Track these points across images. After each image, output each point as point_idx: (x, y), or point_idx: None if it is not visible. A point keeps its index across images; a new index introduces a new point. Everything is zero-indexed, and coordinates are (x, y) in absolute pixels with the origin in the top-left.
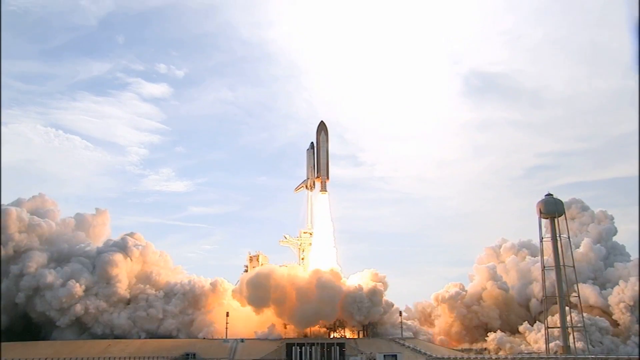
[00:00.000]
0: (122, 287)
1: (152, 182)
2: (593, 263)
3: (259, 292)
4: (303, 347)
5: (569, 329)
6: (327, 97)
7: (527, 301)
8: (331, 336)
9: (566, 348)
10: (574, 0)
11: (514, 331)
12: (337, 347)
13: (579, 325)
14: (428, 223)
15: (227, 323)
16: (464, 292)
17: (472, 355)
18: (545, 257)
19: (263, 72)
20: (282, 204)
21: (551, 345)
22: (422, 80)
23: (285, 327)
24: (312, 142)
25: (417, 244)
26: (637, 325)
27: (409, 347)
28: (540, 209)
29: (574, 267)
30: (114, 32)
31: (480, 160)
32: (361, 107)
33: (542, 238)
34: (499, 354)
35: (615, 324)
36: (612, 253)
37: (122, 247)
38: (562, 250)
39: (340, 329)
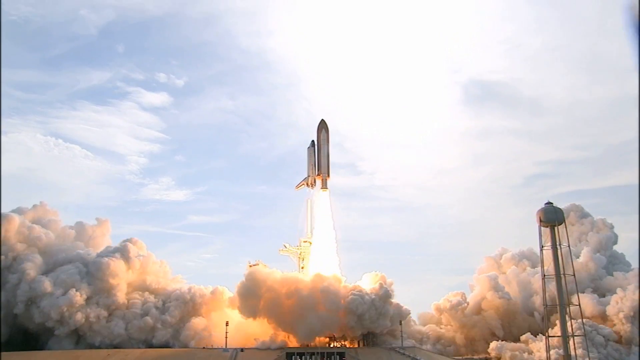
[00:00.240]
0: (122, 296)
1: (152, 191)
2: (592, 273)
3: (250, 301)
4: (303, 357)
5: (570, 337)
6: (326, 105)
7: (531, 311)
8: (331, 345)
9: (567, 357)
10: (572, 9)
11: (517, 341)
12: (337, 357)
13: (578, 331)
14: (428, 231)
15: (226, 332)
16: (466, 304)
17: None
18: (545, 267)
19: (263, 81)
20: (281, 213)
21: (552, 353)
22: (421, 89)
23: (288, 337)
24: (312, 141)
25: (417, 252)
26: (637, 336)
27: (409, 356)
28: (540, 218)
29: (574, 275)
30: (114, 41)
31: (480, 168)
32: (361, 116)
33: (542, 246)
34: None
35: (617, 332)
36: (612, 262)
37: (122, 254)
38: (562, 259)
39: (341, 338)
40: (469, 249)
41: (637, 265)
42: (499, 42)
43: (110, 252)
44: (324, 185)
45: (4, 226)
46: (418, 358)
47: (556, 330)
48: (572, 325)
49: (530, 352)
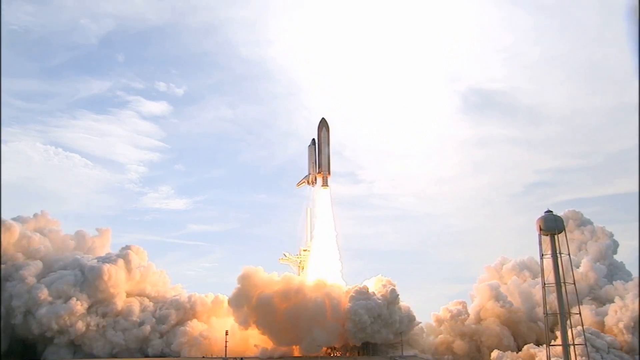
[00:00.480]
0: (121, 304)
1: (152, 200)
2: (592, 283)
3: (244, 309)
4: None
5: (571, 346)
6: (326, 114)
7: (535, 320)
8: (331, 355)
9: None
10: (571, 18)
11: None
12: None
13: (579, 338)
14: (428, 240)
15: (226, 341)
16: (467, 315)
17: None
18: (545, 275)
19: (262, 90)
20: (281, 222)
21: None
22: (421, 98)
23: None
24: (313, 139)
25: (417, 260)
26: (638, 346)
27: None
28: (540, 226)
29: (574, 284)
30: (114, 50)
31: (480, 177)
32: (360, 124)
33: (543, 255)
34: None
35: (619, 342)
36: (612, 272)
37: (123, 260)
38: (562, 268)
39: (342, 348)
40: (468, 257)
41: (637, 274)
42: (498, 51)
43: (109, 259)
44: (325, 183)
45: (4, 235)
46: None
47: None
48: (572, 334)
49: None
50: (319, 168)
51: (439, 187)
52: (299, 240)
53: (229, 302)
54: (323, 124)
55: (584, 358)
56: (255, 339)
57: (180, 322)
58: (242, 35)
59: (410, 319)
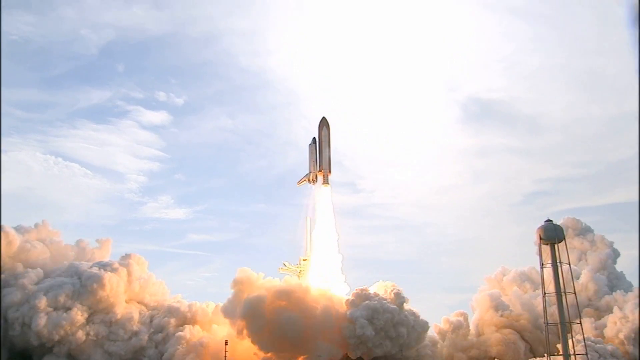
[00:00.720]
0: (120, 313)
1: (151, 210)
2: (591, 294)
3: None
4: None
5: (572, 355)
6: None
7: (537, 329)
8: None
9: None
10: (570, 28)
11: None
12: None
13: (579, 345)
14: (427, 249)
15: (225, 352)
16: (468, 329)
17: None
18: (545, 285)
19: (262, 100)
20: (281, 232)
21: None
22: (420, 107)
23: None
24: (314, 137)
25: (417, 270)
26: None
27: None
28: (540, 235)
29: (574, 293)
30: (114, 60)
31: (479, 186)
32: (360, 134)
33: (543, 264)
34: None
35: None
36: (612, 283)
37: (124, 268)
38: (562, 277)
39: None
40: (468, 267)
41: (638, 285)
42: (497, 61)
43: (110, 266)
44: (326, 181)
45: (4, 244)
46: None
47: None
48: (573, 344)
49: None
50: (319, 166)
51: (438, 197)
52: (299, 249)
53: (222, 309)
54: (324, 123)
55: None
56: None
57: (179, 330)
58: (242, 45)
59: (422, 327)
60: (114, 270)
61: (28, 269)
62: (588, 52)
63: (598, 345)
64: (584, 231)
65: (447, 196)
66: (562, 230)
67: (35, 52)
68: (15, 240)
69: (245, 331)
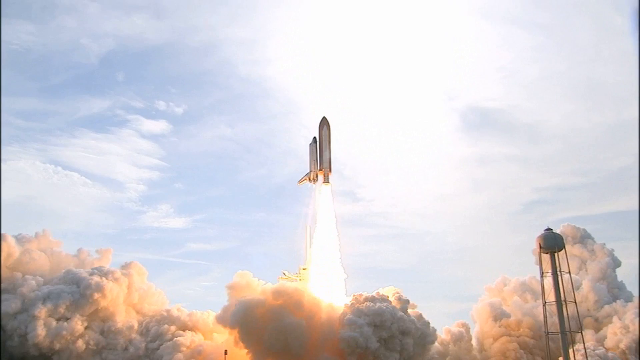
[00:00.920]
0: (120, 322)
1: (151, 219)
2: (592, 305)
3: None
4: None
5: None
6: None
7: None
8: None
9: None
10: (568, 38)
11: None
12: None
13: (579, 353)
14: (427, 258)
15: None
16: (470, 343)
17: None
18: (546, 294)
19: (261, 109)
20: (281, 240)
21: None
22: (419, 116)
23: None
24: (314, 137)
25: (417, 279)
26: None
27: None
28: (539, 244)
29: (575, 302)
30: (114, 69)
31: (479, 195)
32: (359, 143)
33: (543, 273)
34: None
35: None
36: (613, 292)
37: (123, 277)
38: (563, 286)
39: None
40: (468, 275)
41: (638, 294)
42: (496, 70)
43: (110, 273)
44: (326, 180)
45: (4, 254)
46: None
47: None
48: (574, 354)
49: None
50: (320, 165)
51: (438, 205)
52: (299, 258)
53: (218, 317)
54: (324, 123)
55: None
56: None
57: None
58: (242, 54)
59: (429, 339)
60: (115, 279)
61: (27, 276)
62: (587, 61)
63: (598, 350)
64: (584, 239)
65: (446, 205)
66: (562, 239)
67: (36, 61)
68: (15, 251)
69: (237, 336)
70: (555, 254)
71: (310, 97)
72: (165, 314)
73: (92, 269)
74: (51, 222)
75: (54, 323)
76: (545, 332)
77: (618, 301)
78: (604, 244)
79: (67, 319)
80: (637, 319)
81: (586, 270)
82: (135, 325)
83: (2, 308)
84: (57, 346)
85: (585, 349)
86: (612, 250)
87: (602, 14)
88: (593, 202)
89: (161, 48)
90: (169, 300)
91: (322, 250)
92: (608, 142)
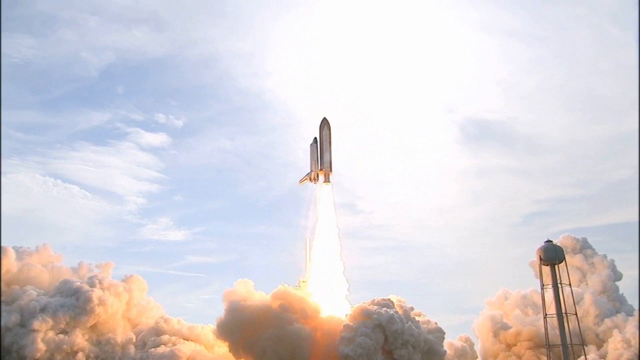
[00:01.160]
0: (119, 336)
1: (150, 231)
2: (592, 318)
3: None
4: None
5: None
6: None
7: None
8: None
9: None
10: (567, 50)
11: None
12: None
13: None
14: (428, 270)
15: None
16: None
17: None
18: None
19: (261, 122)
20: (280, 253)
21: None
22: (418, 128)
23: None
24: (315, 138)
25: (417, 292)
26: None
27: None
28: (540, 256)
29: (576, 314)
30: (114, 82)
31: (479, 207)
32: (358, 156)
33: (543, 285)
34: None
35: None
36: (615, 306)
37: (124, 289)
38: (563, 299)
39: None
40: (468, 288)
41: (638, 306)
42: (495, 82)
43: (110, 286)
44: (327, 179)
45: (4, 270)
46: None
47: None
48: None
49: None
50: (321, 165)
51: (438, 218)
52: (298, 271)
53: (216, 331)
54: (325, 123)
55: None
56: None
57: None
58: (241, 67)
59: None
60: (117, 294)
61: (26, 288)
62: (585, 73)
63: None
64: (583, 249)
65: (446, 217)
66: (562, 251)
67: (36, 74)
68: (14, 266)
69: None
70: (556, 266)
71: (310, 110)
72: (164, 324)
73: (91, 277)
74: (50, 235)
75: (52, 337)
76: (546, 345)
77: (619, 314)
78: (605, 256)
79: (65, 332)
80: (638, 332)
81: (587, 284)
82: (134, 338)
83: (4, 319)
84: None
85: (586, 356)
86: (613, 261)
87: (601, 26)
88: (593, 213)
89: (161, 61)
90: (168, 314)
91: (323, 260)
92: (607, 154)
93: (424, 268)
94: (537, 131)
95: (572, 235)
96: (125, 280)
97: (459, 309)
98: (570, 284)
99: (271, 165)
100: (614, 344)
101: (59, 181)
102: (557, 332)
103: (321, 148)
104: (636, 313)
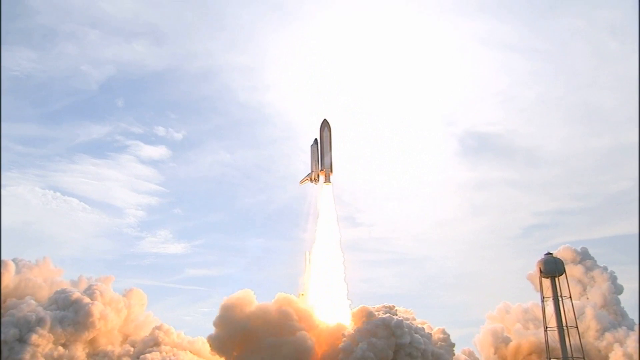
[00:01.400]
0: (117, 350)
1: (150, 244)
2: (593, 332)
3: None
4: None
5: None
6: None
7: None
8: None
9: None
10: (565, 63)
11: None
12: None
13: None
14: (428, 283)
15: None
16: None
17: None
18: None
19: (260, 135)
20: (279, 266)
21: None
22: (417, 141)
23: None
24: (315, 139)
25: (417, 304)
26: None
27: None
28: (540, 269)
29: (576, 327)
30: (113, 95)
31: (478, 220)
32: (358, 169)
33: (544, 298)
34: None
35: None
36: (616, 319)
37: (123, 303)
38: (564, 311)
39: None
40: (468, 301)
41: (638, 319)
42: (494, 95)
43: (110, 299)
44: (327, 180)
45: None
46: None
47: None
48: None
49: None
50: (321, 165)
51: (437, 230)
52: (297, 284)
53: (211, 342)
54: (325, 124)
55: None
56: None
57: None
58: (241, 80)
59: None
60: (118, 310)
61: (25, 300)
62: (584, 85)
63: None
64: (583, 260)
65: (445, 230)
66: (562, 264)
67: (36, 87)
68: (13, 280)
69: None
70: (556, 279)
71: (309, 123)
72: (163, 335)
73: (90, 287)
74: (50, 248)
75: (50, 351)
76: (547, 358)
77: (620, 329)
78: (606, 268)
79: (64, 345)
80: (638, 346)
81: (587, 298)
82: (132, 350)
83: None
84: None
85: None
86: (613, 272)
87: (599, 39)
88: (592, 226)
89: (161, 74)
90: (167, 326)
91: (323, 272)
92: (606, 166)
93: (424, 281)
94: (536, 143)
95: (572, 247)
96: (126, 294)
97: (459, 321)
98: (570, 297)
99: (271, 178)
100: (616, 358)
101: (58, 194)
102: (558, 345)
103: (321, 149)
104: (637, 327)
